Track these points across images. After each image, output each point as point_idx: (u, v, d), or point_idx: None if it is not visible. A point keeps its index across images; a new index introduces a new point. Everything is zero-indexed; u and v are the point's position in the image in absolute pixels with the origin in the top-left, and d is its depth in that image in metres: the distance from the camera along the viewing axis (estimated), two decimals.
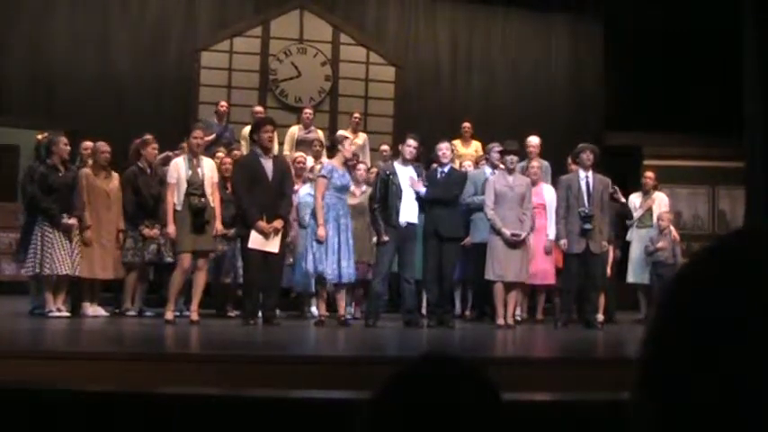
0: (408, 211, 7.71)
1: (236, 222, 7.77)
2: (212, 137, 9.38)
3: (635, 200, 9.56)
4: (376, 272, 7.78)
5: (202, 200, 7.40)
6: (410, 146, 7.89)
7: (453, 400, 1.00)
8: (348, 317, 7.96)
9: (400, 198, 7.69)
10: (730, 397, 0.63)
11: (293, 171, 8.46)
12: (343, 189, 7.71)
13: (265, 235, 7.40)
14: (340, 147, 7.88)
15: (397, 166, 7.89)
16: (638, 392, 0.71)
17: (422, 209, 7.86)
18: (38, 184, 7.62)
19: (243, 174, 7.67)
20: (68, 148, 7.84)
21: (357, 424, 1.01)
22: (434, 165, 8.28)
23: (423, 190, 7.76)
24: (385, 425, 1.00)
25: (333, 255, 7.48)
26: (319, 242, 7.48)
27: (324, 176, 7.65)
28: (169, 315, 7.32)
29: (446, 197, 7.85)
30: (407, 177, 7.77)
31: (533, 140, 9.14)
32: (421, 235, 7.96)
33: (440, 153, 8.09)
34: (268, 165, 7.60)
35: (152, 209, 8.06)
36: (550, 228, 8.47)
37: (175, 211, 7.41)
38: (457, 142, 9.90)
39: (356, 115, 10.74)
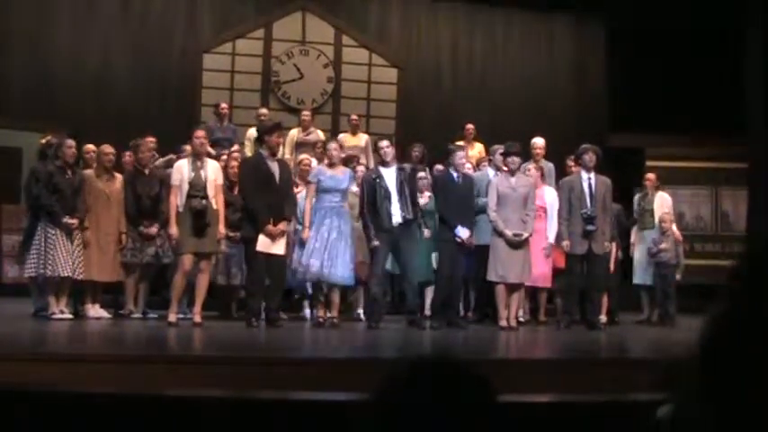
0: (399, 212, 7.75)
1: (243, 224, 7.77)
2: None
3: (638, 200, 9.55)
4: (371, 274, 7.79)
5: (203, 202, 7.40)
6: (383, 147, 8.02)
7: (450, 400, 1.00)
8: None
9: (389, 200, 7.72)
10: None
11: (297, 174, 8.56)
12: (332, 191, 7.72)
13: (272, 237, 7.43)
14: (327, 150, 8.10)
15: (382, 169, 7.93)
16: (691, 395, 0.70)
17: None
18: (44, 184, 7.62)
19: (251, 174, 7.70)
20: (73, 151, 7.82)
21: (358, 425, 1.02)
22: (439, 167, 8.37)
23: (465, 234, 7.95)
24: (383, 426, 1.00)
25: (306, 254, 7.54)
26: (302, 244, 7.62)
27: (309, 182, 7.83)
28: (172, 317, 7.32)
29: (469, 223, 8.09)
30: (393, 178, 7.82)
31: (539, 142, 9.13)
32: (419, 235, 8.06)
33: (459, 161, 8.21)
34: (275, 167, 7.67)
35: (149, 210, 8.06)
36: (550, 230, 8.46)
37: (177, 212, 7.43)
38: (460, 144, 9.89)
39: (353, 117, 10.71)
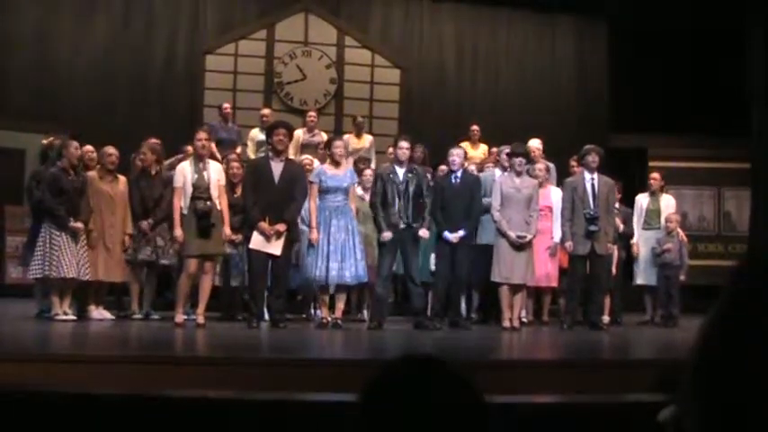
0: (403, 214, 7.74)
1: (243, 224, 7.79)
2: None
3: (642, 200, 9.53)
4: (377, 274, 7.78)
5: (207, 203, 7.39)
6: (402, 147, 7.90)
7: (434, 401, 1.00)
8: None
9: (401, 199, 7.71)
10: None
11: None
12: (334, 190, 7.69)
13: (266, 236, 7.40)
14: (329, 149, 8.01)
15: (398, 168, 7.91)
16: (690, 394, 0.70)
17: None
18: (48, 186, 7.61)
19: (250, 175, 7.77)
20: (78, 152, 7.82)
21: (347, 426, 1.02)
22: (443, 168, 8.34)
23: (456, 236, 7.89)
24: (368, 426, 1.00)
25: (322, 258, 7.51)
26: (311, 246, 7.57)
27: (311, 182, 7.76)
28: (179, 318, 7.30)
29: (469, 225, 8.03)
30: (402, 179, 7.79)
31: (534, 143, 9.11)
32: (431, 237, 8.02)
33: (451, 159, 8.15)
34: (277, 168, 7.60)
35: (151, 210, 8.06)
36: (556, 230, 8.45)
37: (182, 215, 7.42)
38: (465, 144, 9.84)
39: (359, 119, 10.72)
